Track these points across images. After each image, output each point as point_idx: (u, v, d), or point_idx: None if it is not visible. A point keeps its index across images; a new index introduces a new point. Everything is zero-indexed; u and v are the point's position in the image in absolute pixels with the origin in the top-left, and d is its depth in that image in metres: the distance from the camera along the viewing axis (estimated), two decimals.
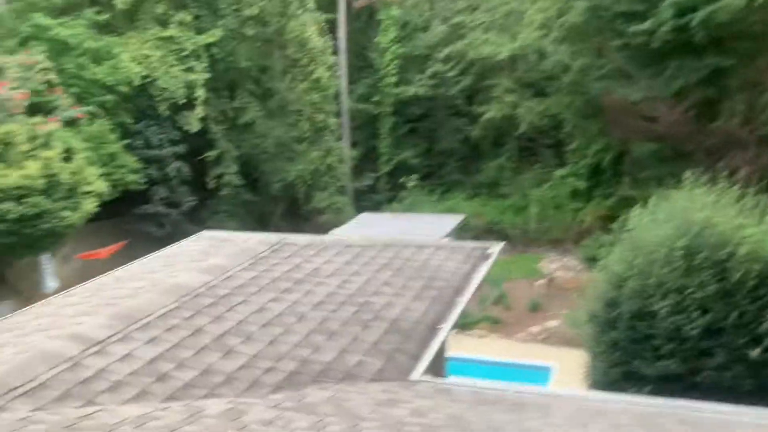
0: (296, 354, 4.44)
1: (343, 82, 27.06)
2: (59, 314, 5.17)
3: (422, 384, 4.37)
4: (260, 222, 25.41)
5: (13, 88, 16.91)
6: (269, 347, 4.47)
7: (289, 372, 4.22)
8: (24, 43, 19.51)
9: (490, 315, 16.38)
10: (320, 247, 6.49)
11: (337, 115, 26.62)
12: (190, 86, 22.08)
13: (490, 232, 21.98)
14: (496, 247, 6.76)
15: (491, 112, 24.47)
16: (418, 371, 4.50)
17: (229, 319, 4.76)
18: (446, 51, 25.52)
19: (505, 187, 25.37)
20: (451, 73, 25.65)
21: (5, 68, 17.15)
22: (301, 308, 5.11)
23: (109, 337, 4.26)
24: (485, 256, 6.65)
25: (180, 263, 6.20)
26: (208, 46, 22.77)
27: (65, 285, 20.15)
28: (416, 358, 4.68)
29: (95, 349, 4.09)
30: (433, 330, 5.12)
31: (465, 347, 12.86)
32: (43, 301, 6.05)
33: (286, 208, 26.04)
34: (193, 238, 7.73)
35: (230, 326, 4.66)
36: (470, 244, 7.04)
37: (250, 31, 23.50)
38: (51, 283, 19.58)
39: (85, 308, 5.13)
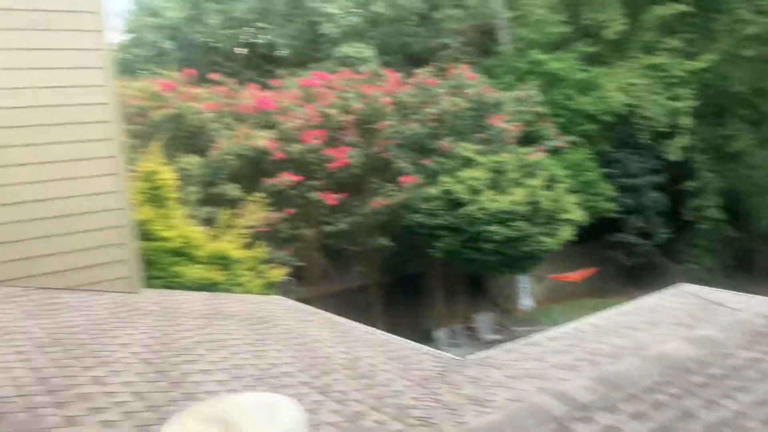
0: None
1: None
2: (544, 361, 5.40)
3: None
4: (740, 261, 22.86)
5: (509, 121, 18.78)
6: None
7: None
8: (521, 78, 21.48)
9: None
10: None
11: None
12: (674, 114, 21.18)
13: None
14: None
15: None
16: None
17: (724, 406, 4.25)
18: None
19: None
20: None
21: (503, 103, 19.15)
22: None
23: (593, 402, 4.23)
24: None
25: (663, 325, 5.86)
26: (697, 72, 21.48)
27: (538, 303, 21.58)
28: None
29: (580, 413, 4.10)
30: None
31: None
32: (529, 339, 6.43)
33: None
34: (671, 291, 7.26)
35: (725, 416, 4.15)
36: None
37: (748, 52, 21.29)
38: (526, 301, 21.13)
39: (569, 360, 5.24)
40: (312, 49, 24.99)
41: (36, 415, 3.49)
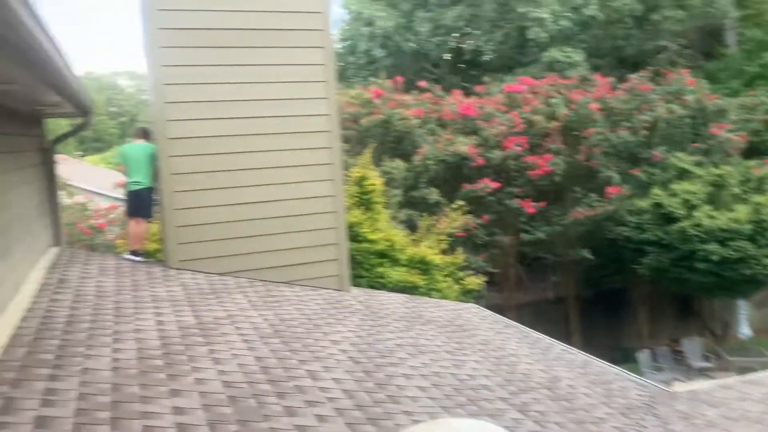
0: None
1: None
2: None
3: None
4: None
5: (733, 131, 17.13)
6: None
7: None
8: (749, 83, 19.52)
9: None
10: None
11: None
12: None
13: None
14: None
15: None
16: None
17: None
18: None
19: None
20: None
21: (727, 110, 17.50)
22: None
23: None
24: None
25: None
26: None
27: (756, 332, 19.44)
28: None
29: None
30: None
31: None
32: (750, 376, 5.87)
33: None
34: None
35: None
36: None
37: None
38: (745, 329, 19.17)
39: None
40: (518, 54, 24.73)
41: (261, 402, 3.87)
